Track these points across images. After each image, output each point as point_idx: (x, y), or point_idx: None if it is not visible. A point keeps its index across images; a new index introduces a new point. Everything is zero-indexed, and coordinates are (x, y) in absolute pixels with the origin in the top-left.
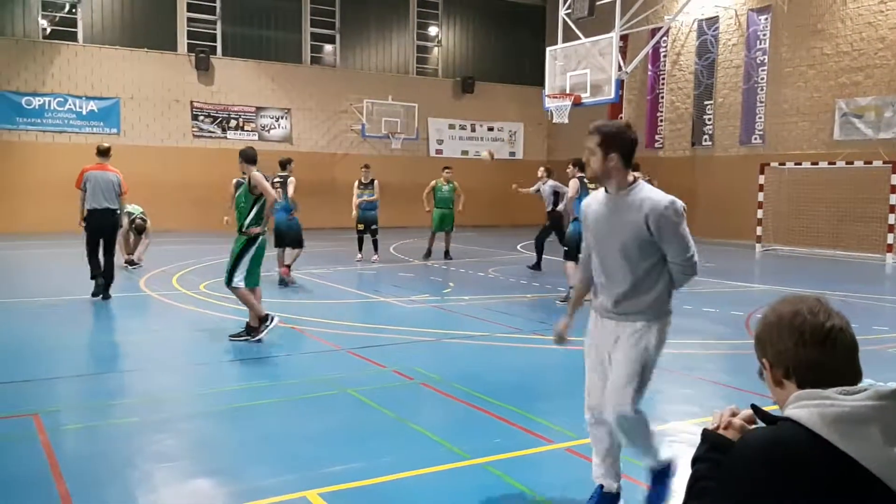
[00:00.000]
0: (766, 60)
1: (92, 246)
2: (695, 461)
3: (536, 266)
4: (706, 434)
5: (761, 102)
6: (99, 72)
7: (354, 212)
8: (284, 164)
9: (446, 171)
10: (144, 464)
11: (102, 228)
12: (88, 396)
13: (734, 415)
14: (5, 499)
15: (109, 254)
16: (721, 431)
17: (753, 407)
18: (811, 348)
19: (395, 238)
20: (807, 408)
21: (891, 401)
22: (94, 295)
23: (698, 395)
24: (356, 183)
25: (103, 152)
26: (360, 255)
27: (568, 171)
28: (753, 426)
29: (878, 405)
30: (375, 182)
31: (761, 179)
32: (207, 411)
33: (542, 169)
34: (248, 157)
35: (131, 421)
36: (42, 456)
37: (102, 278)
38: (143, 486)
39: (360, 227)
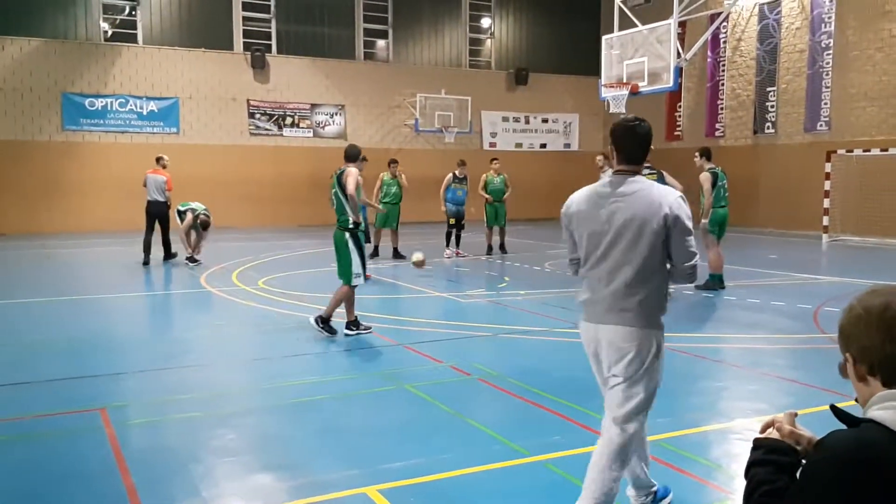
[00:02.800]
0: (831, 44)
1: (148, 226)
2: (750, 466)
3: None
4: (758, 440)
5: (827, 88)
6: (158, 72)
7: (443, 206)
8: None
9: (494, 162)
10: (207, 458)
11: (154, 213)
12: (153, 391)
13: (771, 424)
14: (74, 491)
15: (164, 231)
16: (768, 434)
17: (833, 408)
18: None
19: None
20: (892, 409)
21: None
22: (144, 263)
23: (765, 391)
24: (449, 177)
25: (157, 160)
26: (448, 251)
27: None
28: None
29: None
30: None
31: (828, 167)
32: (268, 406)
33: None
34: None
35: (194, 416)
36: (109, 450)
37: (163, 250)
38: (206, 479)
39: (452, 221)
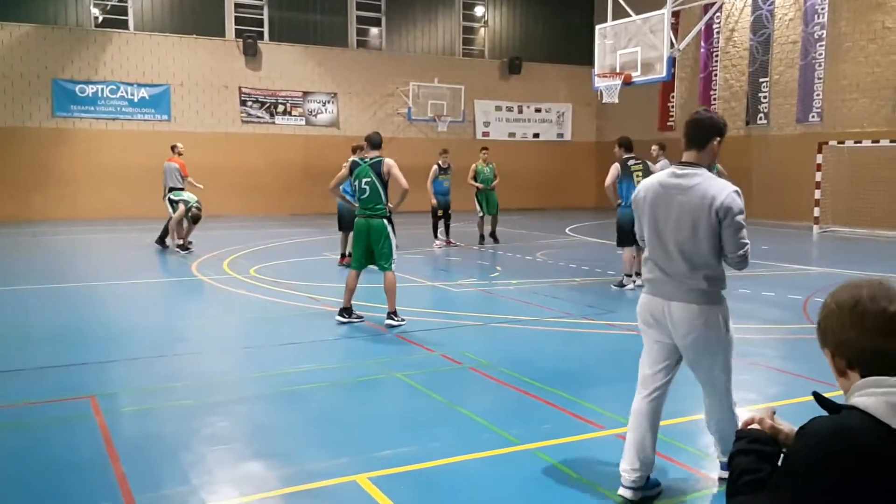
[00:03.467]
0: (824, 35)
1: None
2: (733, 456)
3: None
4: (741, 431)
5: (819, 79)
6: (150, 59)
7: (433, 199)
8: (355, 150)
9: (484, 151)
10: (199, 446)
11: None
12: (143, 379)
13: (752, 421)
14: (64, 480)
15: (171, 218)
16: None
17: (815, 395)
18: (874, 337)
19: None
20: (873, 395)
21: None
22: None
23: (755, 381)
24: (435, 168)
25: (172, 148)
26: (438, 242)
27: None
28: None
29: None
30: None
31: (819, 159)
32: (259, 394)
33: (655, 147)
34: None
35: (186, 404)
36: (99, 438)
37: (159, 233)
38: (197, 468)
39: (441, 212)
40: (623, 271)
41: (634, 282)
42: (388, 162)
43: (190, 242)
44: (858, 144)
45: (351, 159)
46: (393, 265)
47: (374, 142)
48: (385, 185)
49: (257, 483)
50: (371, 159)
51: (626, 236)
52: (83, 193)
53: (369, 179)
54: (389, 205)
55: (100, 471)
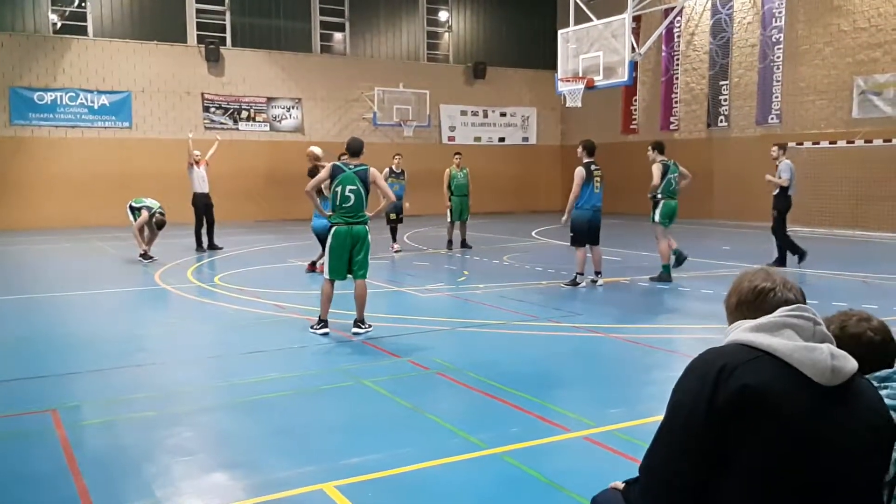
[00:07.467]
0: (781, 38)
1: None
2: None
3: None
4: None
5: (777, 81)
6: (110, 65)
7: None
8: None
9: (457, 156)
10: (162, 458)
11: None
12: (106, 391)
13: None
14: (24, 495)
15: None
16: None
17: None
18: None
19: (410, 227)
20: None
21: None
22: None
23: None
24: (386, 172)
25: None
26: (396, 246)
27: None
28: None
29: None
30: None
31: None
32: (224, 404)
33: (775, 148)
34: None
35: (149, 415)
36: (60, 451)
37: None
38: (161, 480)
39: (393, 216)
40: (575, 270)
41: (595, 281)
42: (374, 171)
43: (151, 251)
44: (816, 145)
45: (332, 164)
46: (368, 273)
47: (355, 149)
48: (367, 192)
49: (222, 494)
50: (356, 167)
51: (581, 237)
52: (42, 202)
53: (355, 188)
54: (368, 212)
55: (61, 485)
